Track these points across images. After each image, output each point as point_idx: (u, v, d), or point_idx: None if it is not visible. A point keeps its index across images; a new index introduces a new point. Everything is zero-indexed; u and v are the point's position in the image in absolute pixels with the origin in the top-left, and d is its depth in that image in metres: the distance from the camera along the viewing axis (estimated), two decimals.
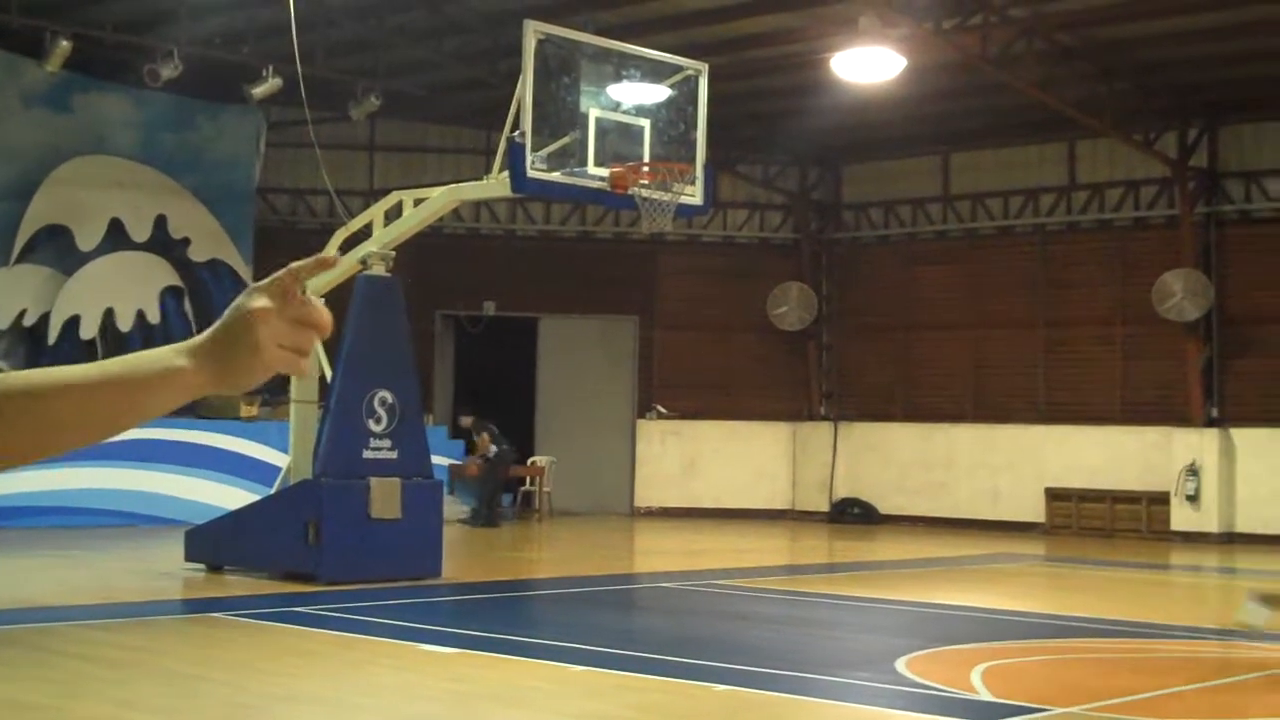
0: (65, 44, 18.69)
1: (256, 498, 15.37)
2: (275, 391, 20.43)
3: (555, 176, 12.33)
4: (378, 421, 13.11)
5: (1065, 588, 15.32)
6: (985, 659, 9.22)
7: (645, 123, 12.83)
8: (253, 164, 22.87)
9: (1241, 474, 20.68)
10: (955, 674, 8.64)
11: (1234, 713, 8.33)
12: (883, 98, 20.01)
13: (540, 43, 12.23)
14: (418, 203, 13.61)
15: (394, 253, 13.70)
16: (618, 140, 12.67)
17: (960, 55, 18.09)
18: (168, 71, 18.91)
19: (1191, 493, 20.58)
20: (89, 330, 20.62)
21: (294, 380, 14.04)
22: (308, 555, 12.71)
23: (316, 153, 15.94)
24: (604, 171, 12.40)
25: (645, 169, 12.52)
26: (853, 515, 23.56)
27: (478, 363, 25.07)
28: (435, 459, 14.49)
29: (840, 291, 25.08)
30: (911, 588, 13.86)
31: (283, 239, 22.68)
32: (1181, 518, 20.70)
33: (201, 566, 13.64)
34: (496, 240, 24.96)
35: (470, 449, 21.93)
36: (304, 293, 1.69)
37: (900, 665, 8.82)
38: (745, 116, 22.58)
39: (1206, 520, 20.53)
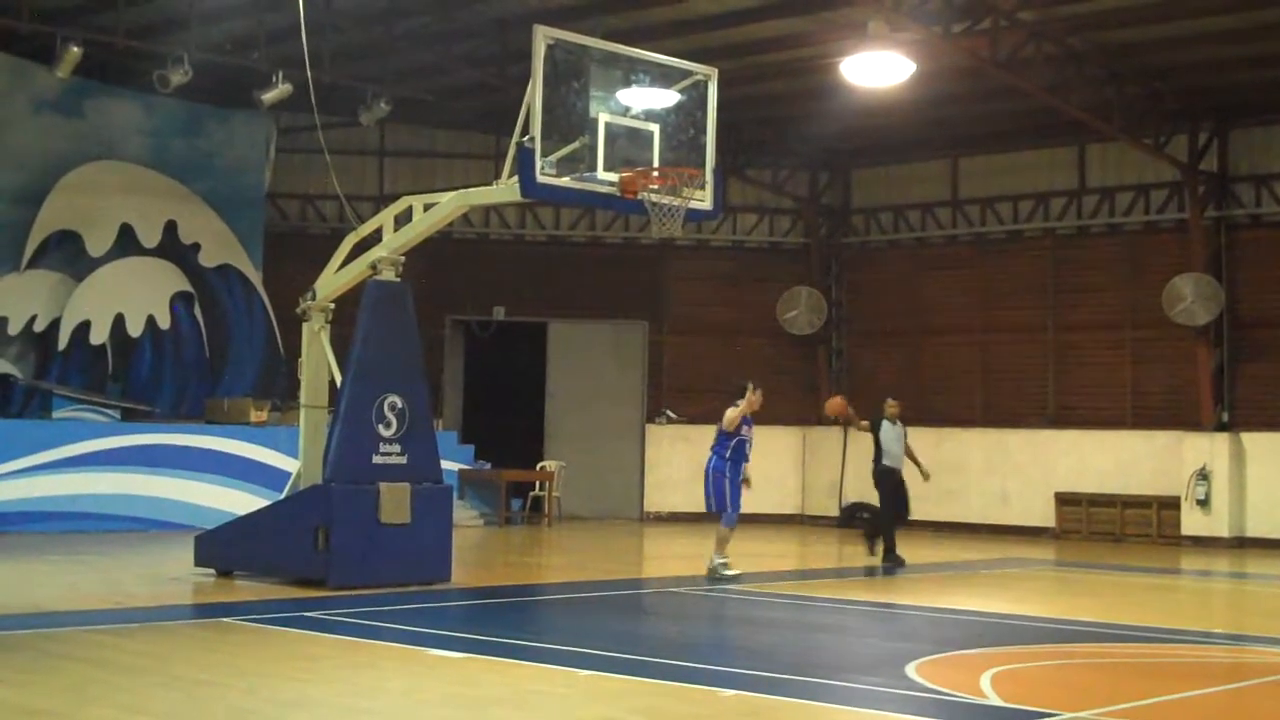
0: (76, 50, 18.73)
1: (266, 503, 15.40)
2: (285, 397, 20.50)
3: (565, 181, 12.32)
4: (387, 426, 13.12)
5: (1075, 592, 15.29)
6: (995, 664, 9.21)
7: (655, 128, 12.82)
8: (263, 169, 22.90)
9: (1252, 478, 20.64)
10: (965, 679, 8.63)
11: (1244, 718, 8.31)
12: (892, 102, 20.01)
13: (549, 48, 12.22)
14: (427, 208, 13.62)
15: (404, 258, 13.73)
16: (627, 145, 12.64)
17: (969, 59, 18.08)
18: (178, 77, 18.95)
19: (1202, 497, 20.54)
20: (99, 336, 20.63)
21: (304, 385, 14.08)
22: (317, 560, 12.72)
23: (326, 158, 15.96)
24: (613, 176, 12.39)
25: (655, 174, 12.50)
26: (862, 520, 23.48)
27: (487, 367, 25.12)
28: (445, 464, 14.50)
29: (850, 296, 25.07)
30: (921, 592, 13.84)
31: (293, 244, 22.73)
32: (1192, 522, 20.67)
33: (211, 571, 13.66)
34: (506, 245, 24.98)
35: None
36: None
37: (910, 670, 8.81)
38: (755, 121, 22.60)
39: (1217, 525, 20.49)
